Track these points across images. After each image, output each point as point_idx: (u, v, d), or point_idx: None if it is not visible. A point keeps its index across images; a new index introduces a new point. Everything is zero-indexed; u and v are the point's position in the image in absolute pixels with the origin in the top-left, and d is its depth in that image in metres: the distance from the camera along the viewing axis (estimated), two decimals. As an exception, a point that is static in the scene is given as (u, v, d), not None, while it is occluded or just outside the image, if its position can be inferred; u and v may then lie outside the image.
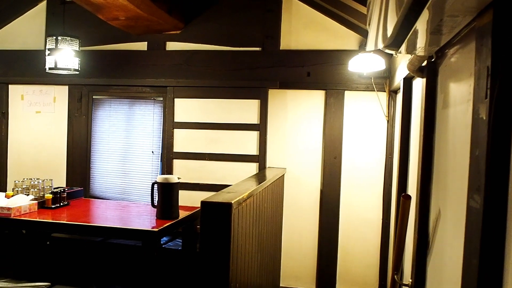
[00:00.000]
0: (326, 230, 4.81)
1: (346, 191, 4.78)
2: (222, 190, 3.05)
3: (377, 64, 4.04)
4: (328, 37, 4.79)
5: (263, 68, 4.90)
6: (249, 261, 3.22)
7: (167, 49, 5.16)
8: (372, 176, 4.72)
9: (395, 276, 2.56)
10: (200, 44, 5.07)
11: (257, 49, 4.95)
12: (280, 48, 4.89)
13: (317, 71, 4.79)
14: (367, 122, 4.72)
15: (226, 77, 4.97)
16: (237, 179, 4.49)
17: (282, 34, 4.90)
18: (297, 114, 4.88)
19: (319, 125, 4.83)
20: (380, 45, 1.98)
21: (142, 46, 5.22)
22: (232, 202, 2.58)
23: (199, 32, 5.07)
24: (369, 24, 2.32)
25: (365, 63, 4.06)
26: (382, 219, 4.69)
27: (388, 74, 4.53)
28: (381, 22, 1.91)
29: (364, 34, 4.54)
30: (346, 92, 4.74)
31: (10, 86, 5.63)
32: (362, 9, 3.59)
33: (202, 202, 2.57)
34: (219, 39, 5.03)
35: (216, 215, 2.55)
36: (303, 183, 4.87)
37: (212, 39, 5.04)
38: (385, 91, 4.62)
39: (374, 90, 4.62)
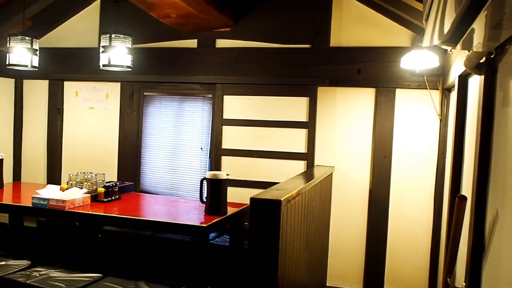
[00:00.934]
0: (375, 230, 4.73)
1: (396, 191, 4.68)
2: (271, 187, 3.05)
3: (431, 61, 3.94)
4: (379, 33, 4.70)
5: (312, 65, 4.87)
6: (297, 259, 3.20)
7: (216, 46, 5.19)
8: (423, 176, 4.60)
9: (448, 279, 2.49)
10: (249, 42, 5.08)
11: (307, 46, 4.91)
12: (330, 45, 4.83)
13: (367, 69, 4.71)
14: (418, 120, 4.61)
15: (275, 74, 4.95)
16: (285, 176, 4.47)
17: (332, 31, 4.84)
18: (346, 111, 4.82)
19: (368, 123, 4.76)
20: (436, 41, 1.92)
21: (192, 43, 5.27)
22: (282, 199, 2.57)
23: (249, 30, 5.08)
24: (425, 20, 2.25)
25: (418, 60, 3.97)
26: (433, 220, 4.57)
27: (442, 71, 4.41)
28: (439, 17, 1.86)
29: (417, 30, 4.43)
30: (397, 90, 4.64)
31: (65, 82, 5.81)
32: (416, 4, 3.51)
33: (252, 199, 2.57)
34: (268, 36, 5.02)
35: (266, 212, 2.55)
36: (351, 182, 4.80)
37: (262, 36, 5.04)
38: (438, 89, 4.49)
39: (427, 88, 4.51)
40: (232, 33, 5.12)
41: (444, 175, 4.45)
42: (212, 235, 4.39)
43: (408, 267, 4.68)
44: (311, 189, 3.59)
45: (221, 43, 5.19)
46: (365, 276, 4.80)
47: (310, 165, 4.82)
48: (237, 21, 5.07)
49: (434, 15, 1.97)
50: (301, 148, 4.87)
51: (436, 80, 4.47)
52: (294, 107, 4.89)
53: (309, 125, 4.85)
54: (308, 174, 4.18)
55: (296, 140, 4.88)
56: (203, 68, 5.19)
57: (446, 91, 4.43)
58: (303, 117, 4.87)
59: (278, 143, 4.93)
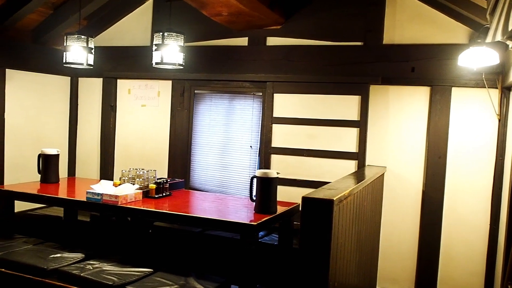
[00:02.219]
0: (427, 233, 4.60)
1: (451, 193, 4.53)
2: (323, 187, 3.00)
3: (490, 58, 3.79)
4: (435, 30, 4.56)
5: (364, 63, 4.77)
6: (348, 260, 3.15)
7: (267, 44, 5.18)
8: (480, 179, 4.44)
9: (509, 286, 2.38)
10: (300, 39, 5.03)
11: (359, 43, 4.82)
12: (383, 43, 4.73)
13: (422, 66, 4.58)
14: (475, 120, 4.44)
15: (326, 72, 4.89)
16: (335, 176, 4.41)
17: (385, 28, 4.73)
18: (399, 111, 4.70)
19: (422, 123, 4.62)
20: (500, 36, 1.84)
21: (243, 41, 5.27)
22: (334, 199, 2.53)
23: (300, 27, 5.03)
24: (490, 14, 2.16)
25: (476, 58, 3.82)
26: (490, 224, 4.40)
27: (502, 69, 4.23)
28: (504, 12, 1.77)
29: (475, 26, 4.27)
30: (453, 88, 4.49)
31: (118, 80, 5.93)
32: (477, 0, 3.38)
33: (304, 198, 2.54)
34: (319, 34, 4.96)
35: (318, 211, 2.51)
36: (404, 183, 4.69)
37: (313, 34, 4.99)
38: (497, 88, 4.31)
39: (485, 87, 4.34)
40: (283, 30, 5.08)
41: (503, 177, 4.28)
42: (261, 233, 4.38)
43: (462, 272, 4.52)
44: (363, 190, 3.52)
45: (272, 40, 5.16)
46: (416, 279, 4.68)
47: (361, 165, 4.74)
48: (288, 19, 5.03)
49: (499, 10, 1.89)
50: (352, 147, 4.79)
51: (495, 78, 4.30)
52: (345, 106, 4.82)
53: (361, 124, 4.76)
54: (359, 174, 4.11)
55: (347, 139, 4.80)
56: (254, 66, 5.18)
57: (505, 90, 4.25)
58: (354, 116, 4.78)
59: (328, 142, 4.87)
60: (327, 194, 2.66)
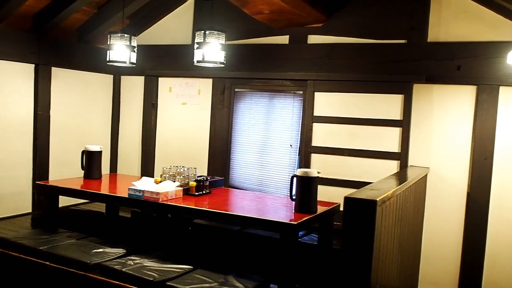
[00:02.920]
0: (472, 236, 4.47)
1: (497, 196, 4.39)
2: (365, 187, 2.95)
3: (541, 56, 3.64)
4: (482, 27, 4.42)
5: (408, 62, 4.68)
6: (390, 262, 3.08)
7: (308, 42, 5.14)
8: (529, 181, 4.29)
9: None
10: (341, 37, 4.98)
11: (402, 41, 4.73)
12: (428, 40, 4.62)
13: (468, 65, 4.45)
14: (524, 121, 4.30)
15: (368, 71, 4.82)
16: (376, 176, 4.34)
17: (430, 25, 4.63)
18: (443, 110, 4.58)
19: (468, 123, 4.49)
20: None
21: (284, 39, 5.25)
22: (377, 199, 2.48)
23: (341, 25, 4.97)
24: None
25: (526, 56, 3.68)
26: (539, 228, 4.25)
27: (553, 68, 4.08)
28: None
29: (525, 23, 4.13)
30: (501, 87, 4.35)
31: (159, 78, 6.01)
32: (527, -5, 3.26)
33: (346, 198, 2.49)
34: (361, 32, 4.89)
35: (360, 211, 2.46)
36: (447, 185, 4.57)
37: (354, 31, 4.92)
38: (548, 87, 4.16)
39: (535, 86, 4.19)
40: (325, 28, 5.03)
41: (553, 180, 4.13)
42: (300, 233, 4.34)
43: (509, 277, 4.38)
44: (406, 191, 3.45)
45: (313, 39, 5.12)
46: (459, 284, 4.55)
47: (404, 166, 4.64)
48: (329, 17, 4.98)
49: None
50: (394, 147, 4.70)
51: (546, 77, 4.15)
52: (388, 105, 4.73)
53: (403, 123, 4.67)
54: (402, 175, 4.03)
55: (389, 139, 4.72)
56: (294, 65, 5.15)
57: (557, 89, 4.09)
58: (397, 115, 4.69)
59: (370, 142, 4.79)
60: (369, 195, 2.61)
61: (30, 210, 5.36)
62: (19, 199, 5.26)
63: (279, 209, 3.97)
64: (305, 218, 3.47)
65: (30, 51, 5.16)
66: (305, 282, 3.85)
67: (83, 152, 4.80)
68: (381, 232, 2.68)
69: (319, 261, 3.99)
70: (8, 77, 5.02)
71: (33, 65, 5.26)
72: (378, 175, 4.32)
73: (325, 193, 4.59)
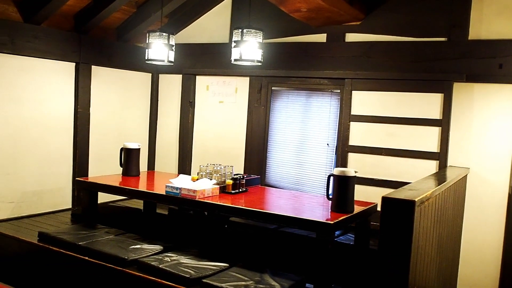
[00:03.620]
0: (514, 239, 4.36)
1: (541, 198, 4.27)
2: (403, 187, 2.92)
3: None
4: (526, 24, 4.31)
5: (447, 60, 4.58)
6: (428, 264, 3.04)
7: (346, 40, 5.09)
8: None
9: None
10: (380, 35, 4.91)
11: (442, 39, 4.64)
12: (469, 38, 4.51)
13: (510, 63, 4.33)
14: None
15: (406, 69, 4.74)
16: (414, 176, 4.28)
17: (471, 23, 4.51)
18: (484, 109, 4.47)
19: (510, 123, 4.37)
20: None
21: (321, 38, 5.22)
22: (416, 200, 2.44)
23: (380, 23, 4.91)
24: None
25: None
26: None
27: None
28: None
29: None
30: (545, 86, 4.23)
31: (197, 77, 6.06)
32: None
33: (384, 198, 2.47)
34: (400, 30, 4.82)
35: (398, 212, 2.43)
36: (488, 186, 4.46)
37: (393, 29, 4.85)
38: None
39: None
40: (363, 26, 4.98)
41: None
42: (336, 232, 4.32)
43: (552, 282, 4.25)
44: (445, 191, 3.39)
45: (351, 37, 5.07)
46: (500, 287, 4.44)
47: (443, 166, 4.55)
48: (368, 14, 4.92)
49: None
50: (433, 147, 4.61)
51: None
52: (427, 104, 4.65)
53: (443, 123, 4.58)
54: (441, 175, 3.96)
55: (427, 139, 4.63)
56: (332, 63, 5.12)
57: None
58: (436, 114, 4.61)
59: (408, 141, 4.72)
60: (408, 195, 2.57)
61: (70, 206, 5.49)
62: (59, 195, 5.39)
63: (316, 208, 3.95)
64: (342, 218, 3.45)
65: (71, 50, 5.28)
66: (341, 282, 3.83)
67: (121, 149, 4.89)
68: (420, 233, 2.64)
69: (355, 261, 3.96)
70: (50, 76, 5.15)
71: (74, 63, 5.38)
72: (417, 175, 4.25)
73: (362, 193, 4.55)
